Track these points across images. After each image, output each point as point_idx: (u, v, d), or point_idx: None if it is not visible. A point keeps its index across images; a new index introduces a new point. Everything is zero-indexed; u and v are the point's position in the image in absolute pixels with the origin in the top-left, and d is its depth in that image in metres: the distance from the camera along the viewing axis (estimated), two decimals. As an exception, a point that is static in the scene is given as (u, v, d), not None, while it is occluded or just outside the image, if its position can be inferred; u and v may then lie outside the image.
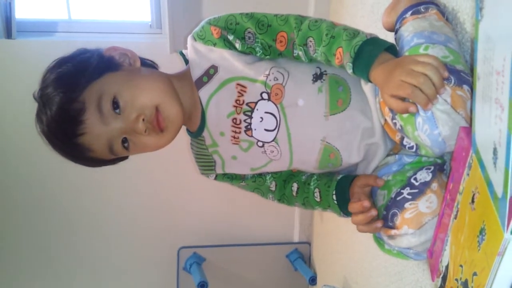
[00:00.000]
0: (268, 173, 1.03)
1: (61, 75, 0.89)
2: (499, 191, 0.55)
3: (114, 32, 2.35)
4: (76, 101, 0.85)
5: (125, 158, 0.99)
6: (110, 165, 0.98)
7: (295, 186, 1.02)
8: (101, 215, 2.45)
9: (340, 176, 0.97)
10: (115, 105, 0.87)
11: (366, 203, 0.85)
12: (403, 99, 0.74)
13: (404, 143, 0.88)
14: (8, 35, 2.17)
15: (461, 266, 0.68)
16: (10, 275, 2.45)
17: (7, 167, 2.31)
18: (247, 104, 0.93)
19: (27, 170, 2.32)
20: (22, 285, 2.48)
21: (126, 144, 0.90)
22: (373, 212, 0.85)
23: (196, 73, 0.94)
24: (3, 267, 2.42)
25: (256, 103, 0.93)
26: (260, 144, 0.96)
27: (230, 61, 0.92)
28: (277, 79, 0.91)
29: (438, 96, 0.73)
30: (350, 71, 0.81)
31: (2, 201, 2.34)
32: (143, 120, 0.88)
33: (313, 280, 2.38)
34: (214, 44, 0.92)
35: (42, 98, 0.88)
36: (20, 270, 2.44)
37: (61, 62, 0.91)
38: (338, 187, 0.95)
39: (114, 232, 2.48)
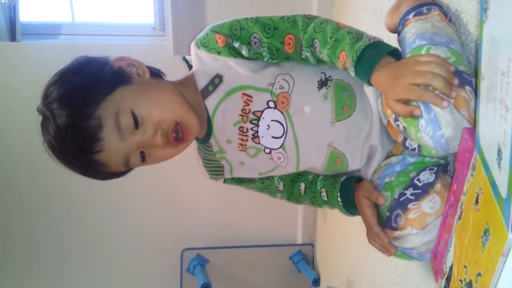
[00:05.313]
0: None
1: (70, 89, 0.84)
2: (503, 191, 0.55)
3: (118, 34, 2.36)
4: (92, 117, 0.81)
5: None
6: (119, 177, 0.95)
7: (302, 185, 1.04)
8: (105, 217, 2.46)
9: (344, 177, 0.99)
10: (134, 120, 0.84)
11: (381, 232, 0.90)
12: (407, 102, 0.74)
13: (407, 144, 0.88)
14: (13, 37, 2.19)
15: (465, 267, 0.68)
16: (14, 278, 2.46)
17: (10, 168, 2.32)
18: (253, 113, 0.93)
19: (31, 172, 2.34)
20: None
21: (143, 156, 0.88)
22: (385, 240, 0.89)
23: (201, 83, 0.93)
24: (4, 268, 2.43)
25: (262, 111, 0.92)
26: (267, 151, 0.96)
27: (235, 70, 0.91)
28: (283, 87, 0.91)
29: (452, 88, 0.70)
30: (352, 74, 0.81)
31: (4, 202, 2.35)
32: (161, 134, 0.86)
33: (316, 281, 2.38)
34: (219, 53, 0.91)
35: (47, 113, 0.84)
36: (25, 275, 2.44)
37: (66, 75, 0.86)
38: (342, 189, 0.97)
39: (118, 233, 2.48)
